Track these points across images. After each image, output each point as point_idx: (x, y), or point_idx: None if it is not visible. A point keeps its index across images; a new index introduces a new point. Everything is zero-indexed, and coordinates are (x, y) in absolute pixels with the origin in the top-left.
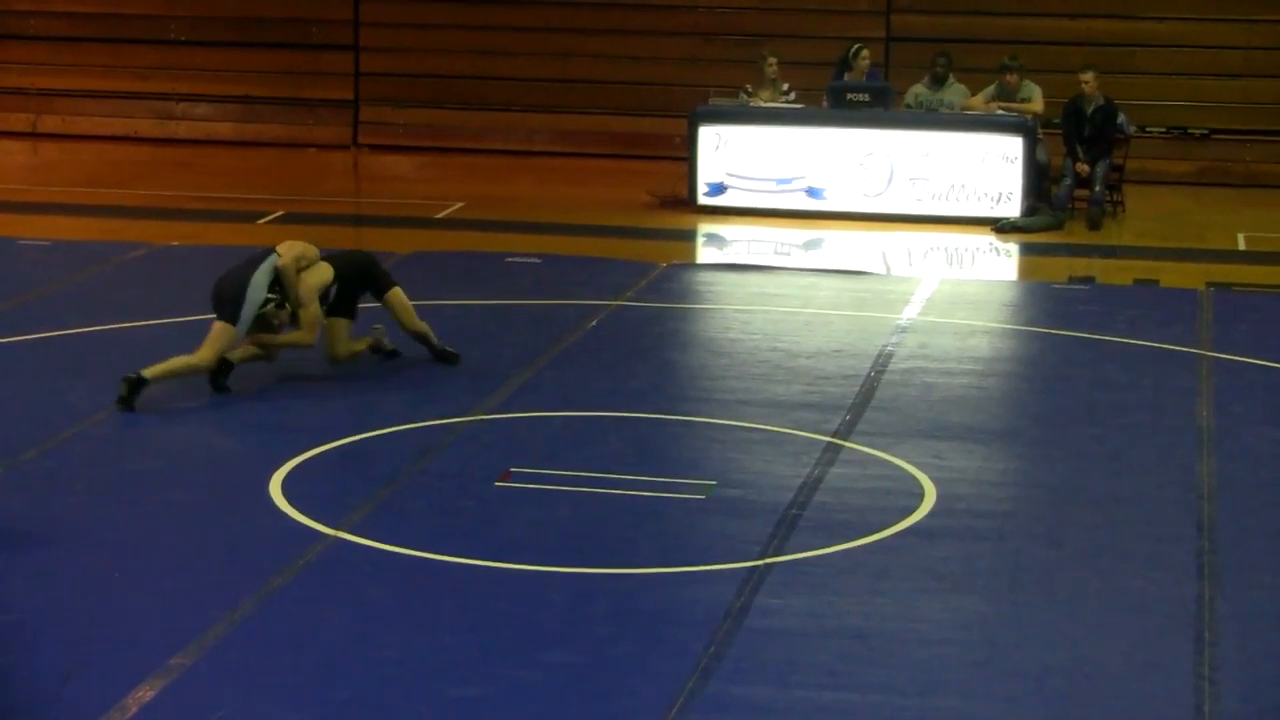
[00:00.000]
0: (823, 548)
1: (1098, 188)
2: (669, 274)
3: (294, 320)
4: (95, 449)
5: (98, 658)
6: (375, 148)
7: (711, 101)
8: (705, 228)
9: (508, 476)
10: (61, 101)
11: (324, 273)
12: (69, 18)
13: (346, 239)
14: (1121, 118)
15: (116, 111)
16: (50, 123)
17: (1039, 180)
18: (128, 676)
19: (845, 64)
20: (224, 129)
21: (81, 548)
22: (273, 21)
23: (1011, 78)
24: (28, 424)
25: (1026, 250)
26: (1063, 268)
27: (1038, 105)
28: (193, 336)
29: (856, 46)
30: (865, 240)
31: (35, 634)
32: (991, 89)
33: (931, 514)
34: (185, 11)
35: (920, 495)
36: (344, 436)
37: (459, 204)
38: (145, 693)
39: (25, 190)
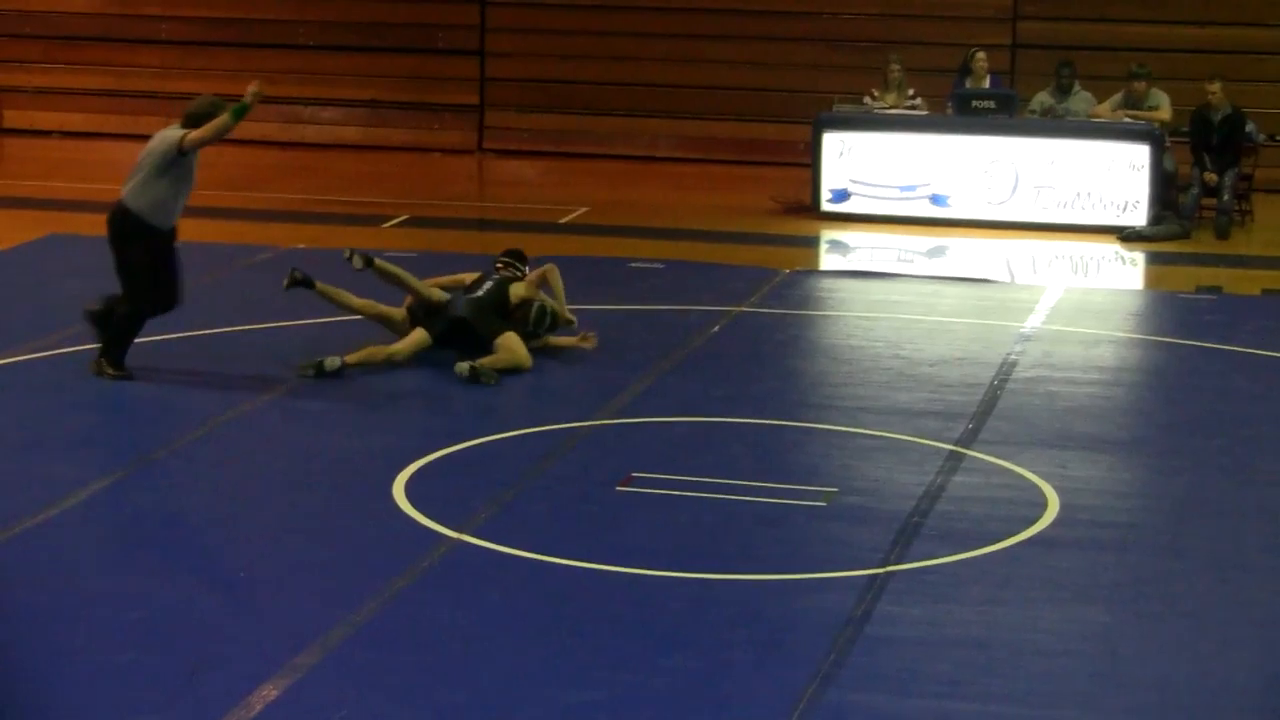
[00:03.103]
0: (944, 556)
1: (1225, 197)
2: (791, 280)
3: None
4: (223, 449)
5: (223, 656)
6: (500, 152)
7: (836, 108)
8: (828, 234)
9: (629, 481)
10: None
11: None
12: (199, 23)
13: (470, 243)
14: (1250, 126)
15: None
16: None
17: (1166, 189)
18: (253, 675)
19: (966, 69)
20: (350, 133)
21: (208, 547)
22: (399, 27)
23: (1139, 85)
24: (156, 424)
25: (1152, 259)
26: (1189, 277)
27: (1165, 113)
28: (317, 338)
29: (972, 50)
30: (989, 248)
31: (162, 631)
32: (1119, 97)
33: (1054, 524)
34: (313, 17)
35: (1043, 505)
36: (467, 439)
37: (582, 209)
38: (270, 691)
39: None
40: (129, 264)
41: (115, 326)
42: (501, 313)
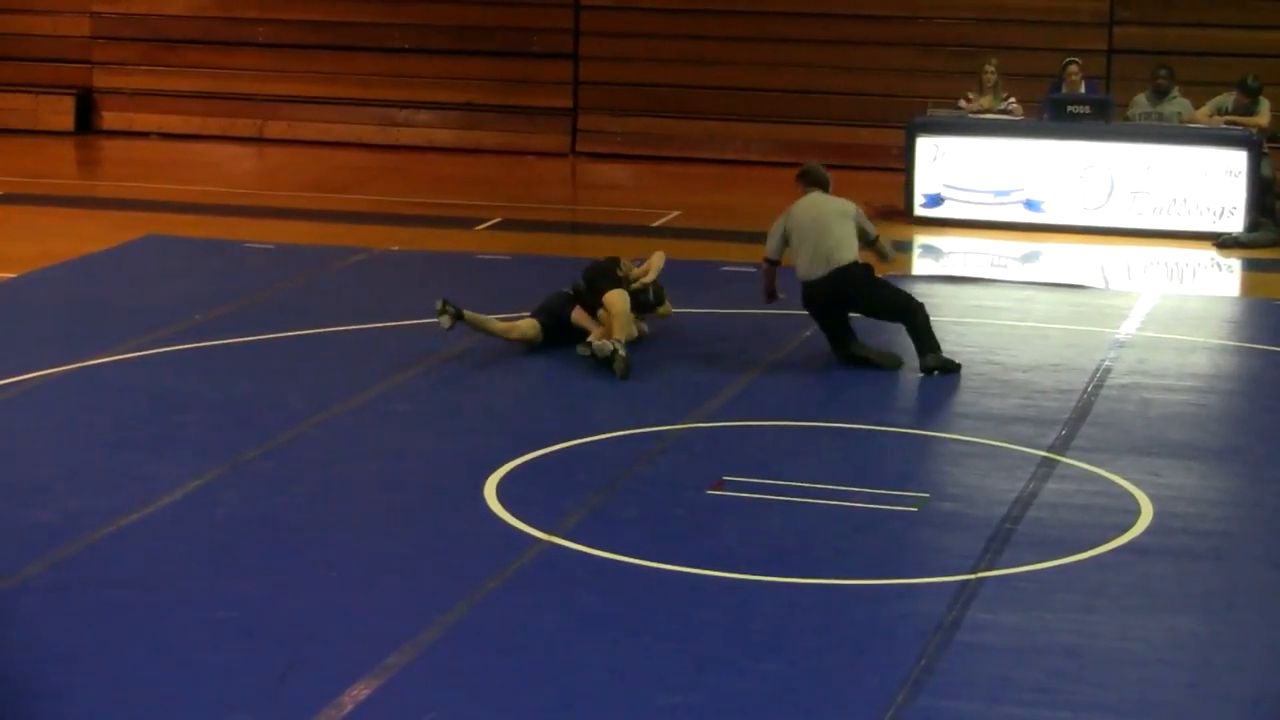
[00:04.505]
0: (1036, 563)
1: None
2: None
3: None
4: (313, 450)
5: (314, 656)
6: (593, 156)
7: (930, 113)
8: (921, 239)
9: (720, 485)
10: (287, 107)
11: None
12: (296, 26)
13: (563, 246)
14: None
15: (340, 118)
16: (276, 128)
17: (1263, 195)
18: (343, 675)
19: (1061, 77)
20: (444, 136)
21: (300, 547)
22: (493, 30)
23: (1245, 99)
24: (248, 424)
25: (1249, 266)
26: None
27: (1263, 119)
28: (408, 340)
29: (1066, 60)
30: (1084, 254)
31: (253, 632)
32: (1228, 103)
33: (1147, 532)
34: (408, 20)
35: (1136, 512)
36: (559, 442)
37: (675, 213)
38: (360, 691)
39: (251, 194)
40: (884, 294)
41: (919, 329)
42: (613, 275)
